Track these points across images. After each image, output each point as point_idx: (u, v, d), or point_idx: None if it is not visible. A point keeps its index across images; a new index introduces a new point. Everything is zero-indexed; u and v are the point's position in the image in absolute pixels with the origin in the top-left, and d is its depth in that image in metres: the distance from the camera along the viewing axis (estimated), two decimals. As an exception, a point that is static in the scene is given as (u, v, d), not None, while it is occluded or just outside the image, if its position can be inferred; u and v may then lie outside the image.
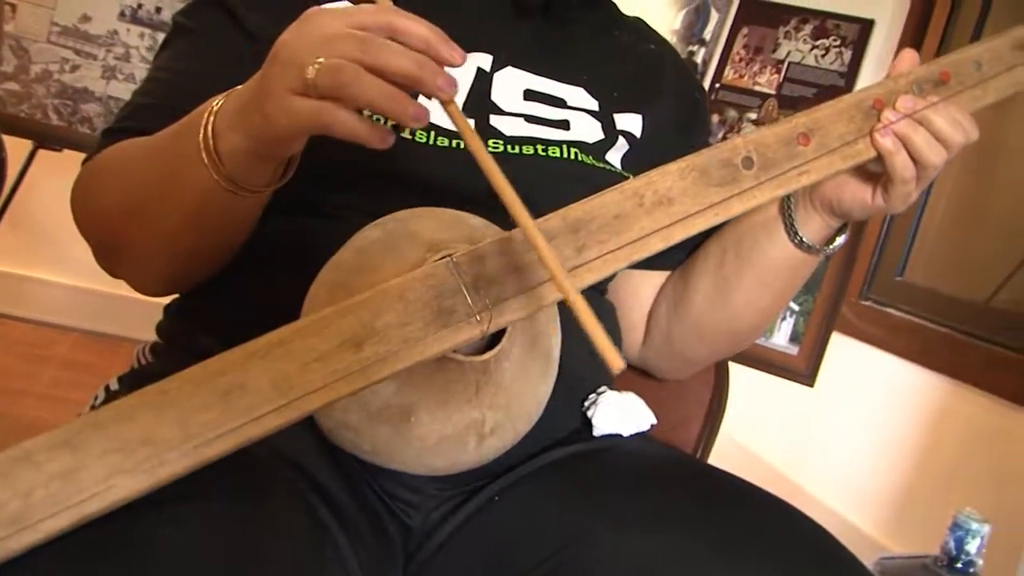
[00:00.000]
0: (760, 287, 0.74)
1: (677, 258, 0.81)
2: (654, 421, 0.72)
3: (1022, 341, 1.76)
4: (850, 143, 0.63)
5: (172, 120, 0.62)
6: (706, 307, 0.77)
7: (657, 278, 0.82)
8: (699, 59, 1.92)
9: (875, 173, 0.66)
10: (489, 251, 0.52)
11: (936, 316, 1.94)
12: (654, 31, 0.89)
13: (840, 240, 0.72)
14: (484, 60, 0.74)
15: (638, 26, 0.87)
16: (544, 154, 0.71)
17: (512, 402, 0.57)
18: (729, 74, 1.86)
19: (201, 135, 0.55)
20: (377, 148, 0.50)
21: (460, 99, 0.71)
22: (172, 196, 0.60)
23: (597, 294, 0.76)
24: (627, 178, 0.76)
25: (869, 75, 1.76)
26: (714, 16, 1.94)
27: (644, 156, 0.76)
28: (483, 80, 0.73)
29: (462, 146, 0.68)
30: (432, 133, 0.68)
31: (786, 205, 0.71)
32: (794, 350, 1.54)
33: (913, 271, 2.08)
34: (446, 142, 0.68)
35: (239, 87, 0.55)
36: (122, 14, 1.68)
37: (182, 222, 0.62)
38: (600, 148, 0.74)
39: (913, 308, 2.00)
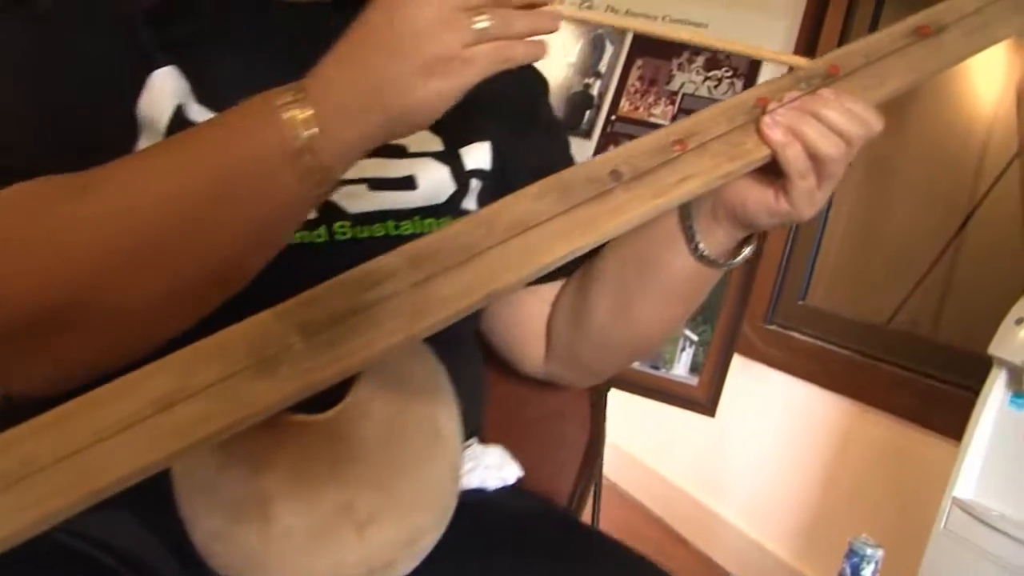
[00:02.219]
0: (664, 301, 0.71)
1: (568, 269, 0.76)
2: (520, 474, 0.69)
3: (919, 361, 1.79)
4: (737, 144, 0.59)
5: (39, 149, 0.55)
6: (608, 321, 0.73)
7: (548, 291, 0.78)
8: (595, 91, 1.93)
9: (778, 176, 0.62)
10: (322, 294, 0.47)
11: (837, 339, 1.97)
12: None
13: (747, 251, 0.68)
14: None
15: None
16: (396, 232, 0.66)
17: (389, 481, 0.51)
18: (625, 106, 1.87)
19: (293, 143, 0.48)
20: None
21: None
22: (217, 227, 0.50)
23: (458, 338, 0.71)
24: None
25: (760, 104, 1.79)
26: (608, 49, 1.95)
27: (500, 183, 0.72)
28: None
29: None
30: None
31: (686, 216, 0.67)
32: (694, 380, 1.52)
33: (815, 295, 2.11)
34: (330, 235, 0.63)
35: (333, 74, 0.49)
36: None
37: (229, 252, 0.51)
38: (453, 203, 0.70)
39: (815, 332, 2.03)
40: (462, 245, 0.50)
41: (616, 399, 1.51)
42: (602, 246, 0.72)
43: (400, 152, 0.68)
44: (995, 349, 1.40)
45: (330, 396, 0.49)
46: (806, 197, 0.60)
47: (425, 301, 0.48)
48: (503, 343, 0.80)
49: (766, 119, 0.58)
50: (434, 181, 0.69)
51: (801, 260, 2.11)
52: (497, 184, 0.72)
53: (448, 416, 0.54)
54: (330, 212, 0.64)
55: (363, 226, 0.65)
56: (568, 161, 0.83)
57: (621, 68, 1.88)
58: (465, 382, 0.72)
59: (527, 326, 0.78)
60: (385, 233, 0.65)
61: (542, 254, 0.51)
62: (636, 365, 1.56)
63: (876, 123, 0.60)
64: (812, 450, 1.98)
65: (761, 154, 0.59)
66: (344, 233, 0.64)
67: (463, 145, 0.72)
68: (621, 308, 0.71)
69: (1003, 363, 1.39)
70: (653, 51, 1.86)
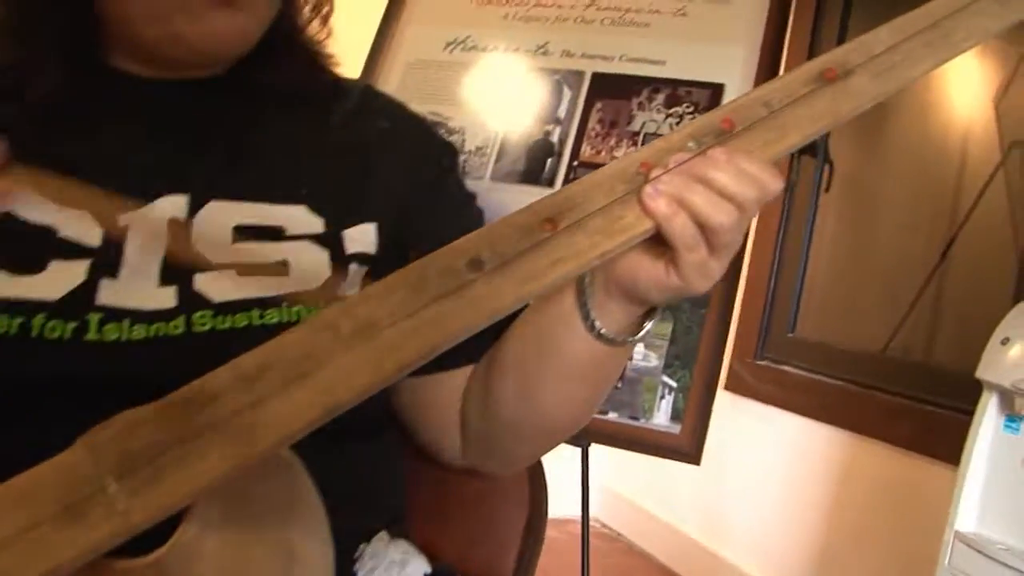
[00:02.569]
0: (567, 382, 0.65)
1: (472, 352, 0.71)
2: (427, 570, 0.64)
3: (914, 388, 1.73)
4: (617, 218, 0.53)
5: None
6: (514, 407, 0.68)
7: (456, 379, 0.72)
8: (555, 138, 1.90)
9: (669, 247, 0.57)
10: (141, 422, 0.43)
11: (830, 370, 1.91)
12: (387, 102, 0.78)
13: (648, 326, 0.63)
14: (177, 204, 0.63)
15: (366, 101, 0.75)
16: (261, 321, 0.61)
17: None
18: (586, 151, 1.84)
19: None
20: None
21: (157, 266, 0.60)
22: None
23: (359, 430, 0.66)
24: None
25: (722, 138, 1.76)
26: (566, 93, 1.92)
27: (390, 267, 0.68)
28: (181, 231, 0.62)
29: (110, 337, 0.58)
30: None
31: (581, 293, 0.62)
32: (676, 429, 1.47)
33: (804, 326, 2.05)
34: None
35: None
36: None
37: None
38: (328, 290, 0.65)
39: (807, 364, 1.97)
40: (301, 354, 0.46)
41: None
42: (505, 328, 0.68)
43: (277, 235, 0.64)
44: (983, 372, 1.33)
45: (165, 530, 0.45)
46: (697, 270, 0.55)
47: (260, 421, 0.44)
48: (419, 437, 0.75)
49: (647, 188, 0.53)
50: (309, 266, 0.64)
51: (787, 291, 2.06)
52: (385, 269, 0.68)
53: (306, 532, 0.49)
54: (192, 301, 0.60)
55: (225, 316, 0.60)
56: None
57: (580, 112, 1.85)
58: (372, 477, 0.68)
59: (439, 417, 0.73)
60: (248, 323, 0.61)
61: (391, 359, 0.47)
62: (614, 416, 1.51)
63: (773, 183, 0.54)
64: (812, 486, 1.91)
65: (643, 227, 0.54)
66: (204, 324, 0.59)
67: (346, 227, 0.67)
68: (524, 392, 0.66)
69: (993, 386, 1.33)
70: (612, 92, 1.83)
